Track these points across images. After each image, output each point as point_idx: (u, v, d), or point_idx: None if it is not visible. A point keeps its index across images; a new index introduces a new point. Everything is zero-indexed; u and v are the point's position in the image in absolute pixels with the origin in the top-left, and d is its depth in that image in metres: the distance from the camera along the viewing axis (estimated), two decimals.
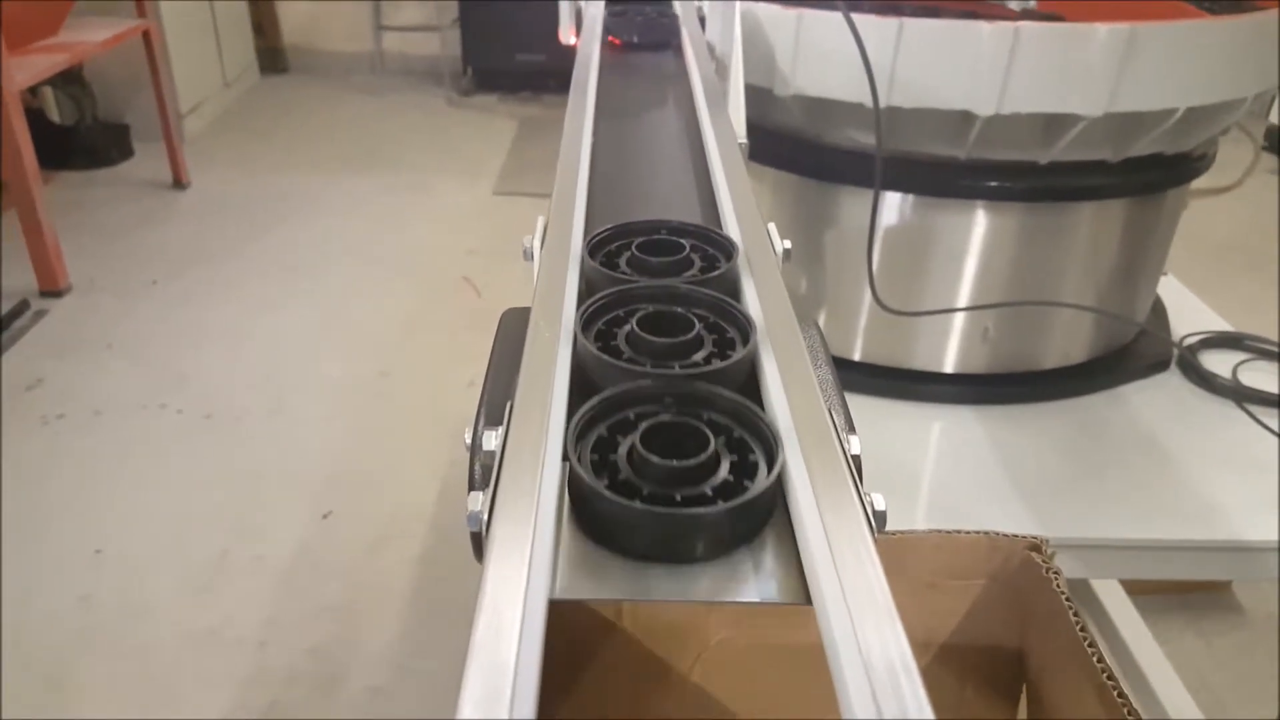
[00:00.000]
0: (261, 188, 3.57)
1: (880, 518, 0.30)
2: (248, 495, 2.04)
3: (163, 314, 2.72)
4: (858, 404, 1.22)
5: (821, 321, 1.28)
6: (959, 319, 1.21)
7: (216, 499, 2.02)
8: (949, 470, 1.15)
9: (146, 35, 3.25)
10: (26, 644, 1.66)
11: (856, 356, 1.28)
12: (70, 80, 3.53)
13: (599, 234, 0.39)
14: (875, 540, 0.28)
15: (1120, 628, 1.49)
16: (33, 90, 3.36)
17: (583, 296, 0.38)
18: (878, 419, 1.22)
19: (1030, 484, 1.11)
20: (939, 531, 0.64)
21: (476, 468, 0.33)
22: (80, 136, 3.61)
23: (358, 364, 2.51)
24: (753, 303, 0.39)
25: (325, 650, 1.67)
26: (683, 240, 0.41)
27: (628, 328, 0.35)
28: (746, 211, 0.48)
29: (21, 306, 2.65)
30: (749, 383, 0.35)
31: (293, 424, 2.28)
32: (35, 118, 3.49)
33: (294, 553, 1.89)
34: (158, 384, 2.39)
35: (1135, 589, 1.57)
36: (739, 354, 0.34)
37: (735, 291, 0.41)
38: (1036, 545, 0.63)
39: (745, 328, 0.36)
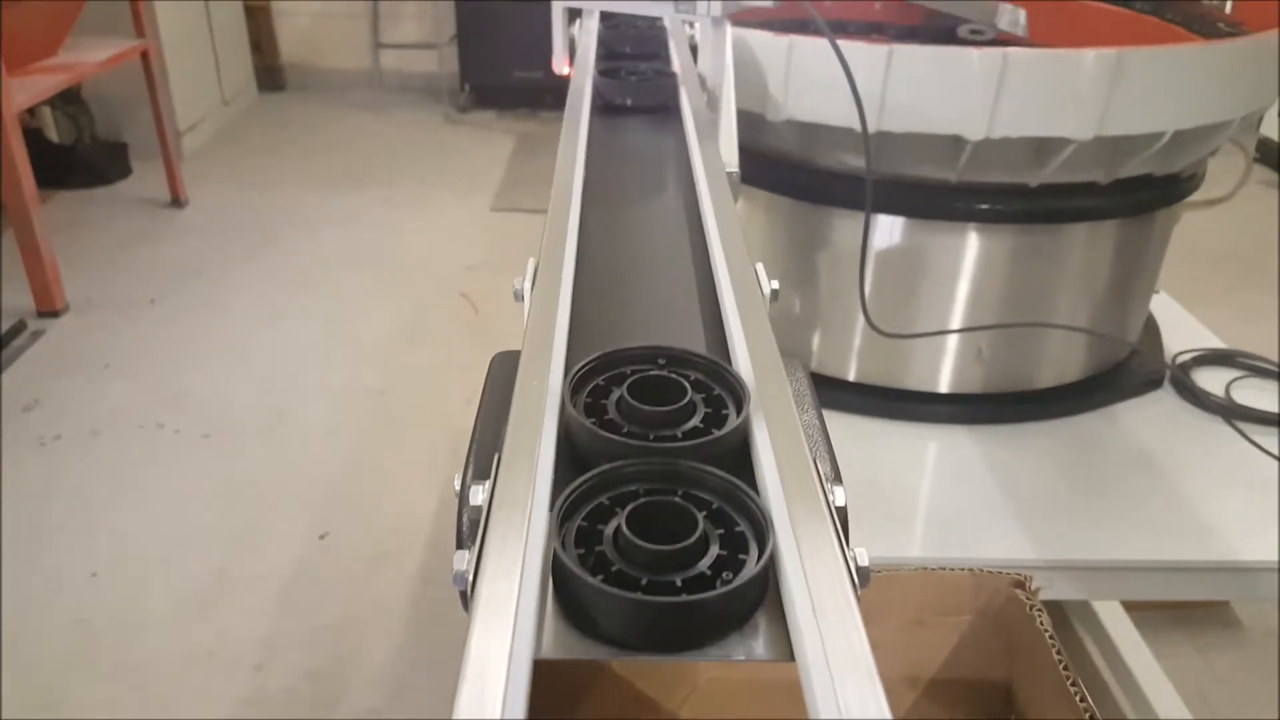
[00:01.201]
0: (259, 205, 3.58)
1: (864, 573, 0.30)
2: (245, 514, 2.04)
3: (160, 332, 2.72)
4: (854, 424, 1.23)
5: (816, 343, 1.28)
6: (953, 339, 1.22)
7: (214, 518, 2.02)
8: (945, 491, 1.15)
9: (145, 55, 3.27)
10: (23, 666, 1.66)
11: (852, 377, 1.28)
12: (68, 99, 3.54)
13: (579, 369, 0.37)
14: (858, 597, 0.28)
15: (1119, 645, 1.49)
16: (31, 110, 3.37)
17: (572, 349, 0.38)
18: (874, 439, 1.22)
19: (1026, 505, 1.11)
20: (925, 568, 0.64)
21: (465, 519, 0.34)
22: (78, 155, 3.62)
23: (355, 381, 2.51)
24: (741, 355, 0.40)
25: (323, 671, 1.67)
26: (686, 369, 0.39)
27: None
28: (736, 255, 0.48)
29: (19, 327, 2.66)
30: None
31: (290, 442, 2.28)
32: (33, 137, 3.50)
33: (292, 571, 1.89)
34: (155, 403, 2.39)
35: (1134, 606, 1.57)
36: (732, 425, 0.34)
37: (726, 348, 0.41)
38: (1020, 582, 0.63)
39: (738, 393, 0.35)
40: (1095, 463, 1.20)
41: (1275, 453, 1.15)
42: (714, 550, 0.29)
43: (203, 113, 4.11)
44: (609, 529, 0.29)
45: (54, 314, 2.76)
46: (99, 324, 2.75)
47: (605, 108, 0.74)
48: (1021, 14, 1.54)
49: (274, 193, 3.68)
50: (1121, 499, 1.13)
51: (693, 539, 0.29)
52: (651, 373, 0.36)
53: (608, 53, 0.84)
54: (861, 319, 1.17)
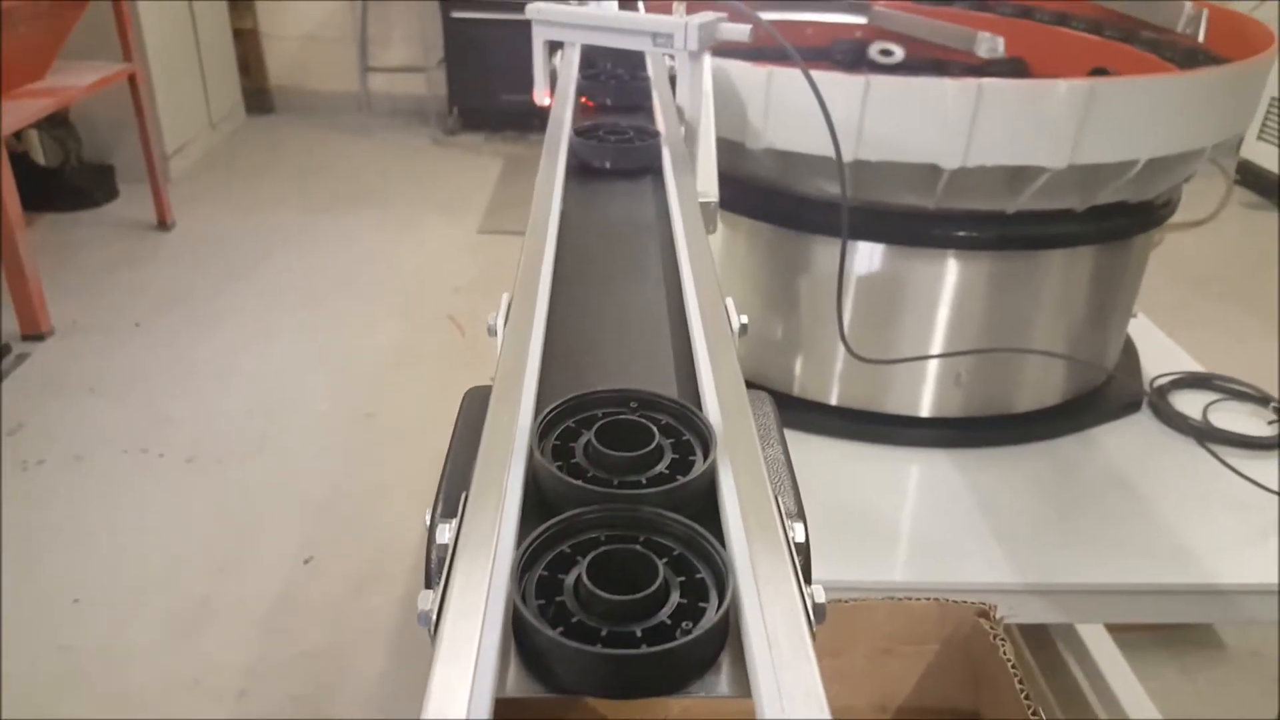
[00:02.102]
0: (247, 228, 3.58)
1: (820, 610, 0.31)
2: (230, 539, 2.03)
3: (145, 356, 2.72)
4: (836, 448, 1.24)
5: (798, 367, 1.29)
6: (933, 364, 1.23)
7: (198, 544, 2.01)
8: (926, 515, 1.16)
9: (132, 78, 3.27)
10: (4, 693, 1.64)
11: (833, 401, 1.29)
12: (55, 122, 3.54)
13: (549, 411, 0.38)
14: (813, 634, 0.29)
15: (1102, 666, 1.49)
16: (17, 133, 3.37)
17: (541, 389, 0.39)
18: (855, 463, 1.23)
19: (1007, 528, 1.12)
20: (892, 598, 0.65)
21: (433, 556, 0.34)
22: (65, 178, 3.61)
23: (342, 404, 2.51)
24: (708, 392, 0.40)
25: (307, 697, 1.66)
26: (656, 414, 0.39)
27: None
28: (707, 290, 0.49)
29: (3, 350, 2.65)
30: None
31: (276, 466, 2.27)
32: (20, 160, 3.50)
33: (277, 597, 1.88)
34: (140, 427, 2.38)
35: (1117, 627, 1.58)
36: (696, 471, 0.34)
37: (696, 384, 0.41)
38: (985, 611, 0.64)
39: (705, 437, 0.36)
40: (1074, 486, 1.21)
41: (1250, 475, 1.16)
42: (674, 598, 0.30)
43: (190, 135, 4.12)
44: (570, 579, 0.30)
45: (39, 337, 2.75)
46: (84, 347, 2.74)
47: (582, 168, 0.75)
48: (1000, 41, 1.57)
49: (261, 215, 3.69)
50: (1101, 522, 1.14)
51: (653, 588, 0.29)
52: (620, 416, 0.36)
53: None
54: (842, 344, 1.18)
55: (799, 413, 1.28)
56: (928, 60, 1.66)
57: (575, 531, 0.31)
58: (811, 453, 1.24)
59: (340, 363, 2.71)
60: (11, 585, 1.88)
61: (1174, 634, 1.79)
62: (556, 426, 0.36)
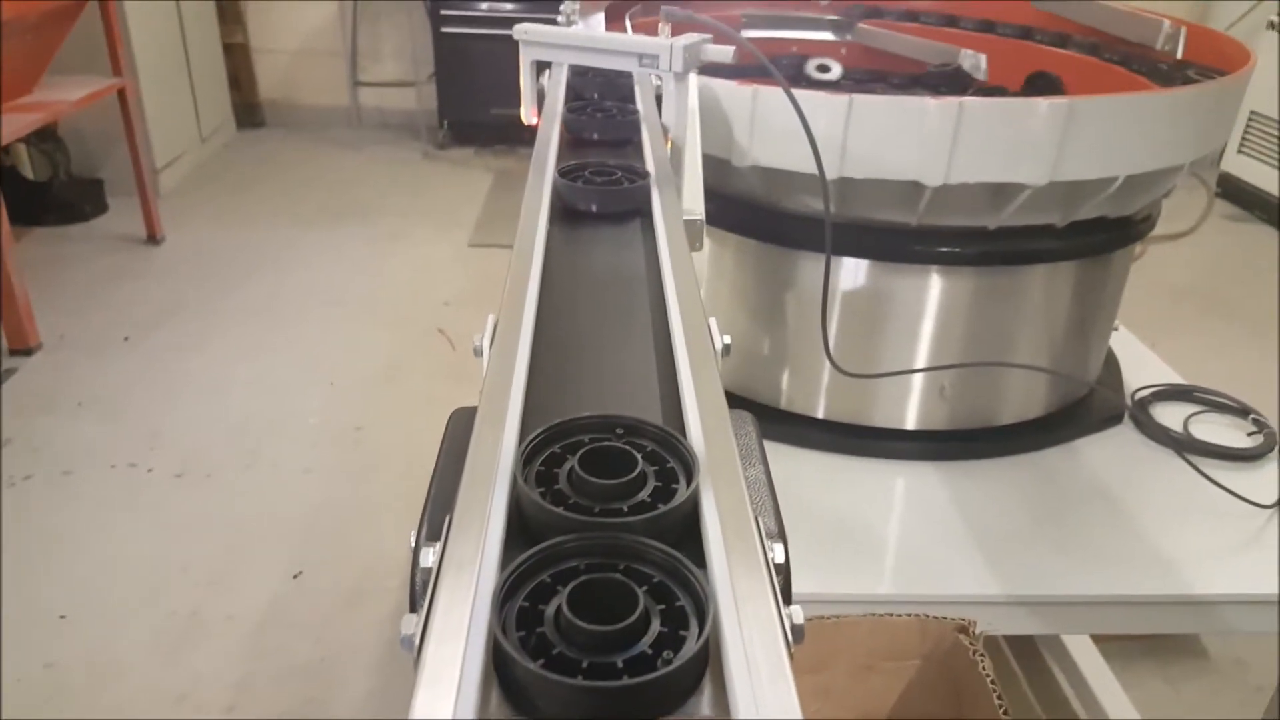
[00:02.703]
0: (236, 241, 3.58)
1: (798, 631, 0.32)
2: (218, 554, 2.03)
3: (134, 370, 2.71)
4: (822, 461, 1.25)
5: (784, 381, 1.30)
6: (918, 378, 1.24)
7: (186, 559, 2.01)
8: (913, 527, 1.17)
9: (122, 93, 3.28)
10: None
11: (820, 414, 1.30)
12: (44, 136, 3.54)
13: (532, 439, 0.39)
14: (791, 655, 0.30)
15: (1088, 676, 1.51)
16: (6, 147, 3.37)
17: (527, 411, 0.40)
18: (842, 476, 1.24)
19: (992, 540, 1.13)
20: (873, 615, 0.66)
21: (417, 580, 0.35)
22: (54, 192, 3.61)
23: (332, 418, 2.51)
24: (691, 414, 0.41)
25: (296, 714, 1.66)
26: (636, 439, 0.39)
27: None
28: (691, 311, 0.50)
29: None
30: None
31: (265, 480, 2.27)
32: (8, 174, 3.50)
33: (265, 612, 1.88)
34: (128, 442, 2.38)
35: (1103, 637, 1.59)
36: (677, 500, 0.35)
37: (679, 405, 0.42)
38: (964, 627, 0.65)
39: (688, 462, 0.37)
40: (1058, 498, 1.22)
41: (1230, 487, 1.18)
42: (655, 627, 0.30)
43: (180, 149, 4.12)
44: (550, 609, 0.31)
45: (27, 352, 2.74)
46: (72, 362, 2.74)
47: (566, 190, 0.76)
48: (982, 59, 1.59)
49: (251, 229, 3.69)
50: (1084, 534, 1.15)
51: (633, 618, 0.30)
52: (604, 443, 0.37)
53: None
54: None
55: (786, 426, 1.29)
56: (868, 73, 1.68)
57: (556, 560, 0.32)
58: (798, 465, 1.25)
59: (330, 376, 2.71)
60: None
61: (1158, 643, 1.80)
62: (541, 452, 0.37)
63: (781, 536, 0.39)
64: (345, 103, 4.80)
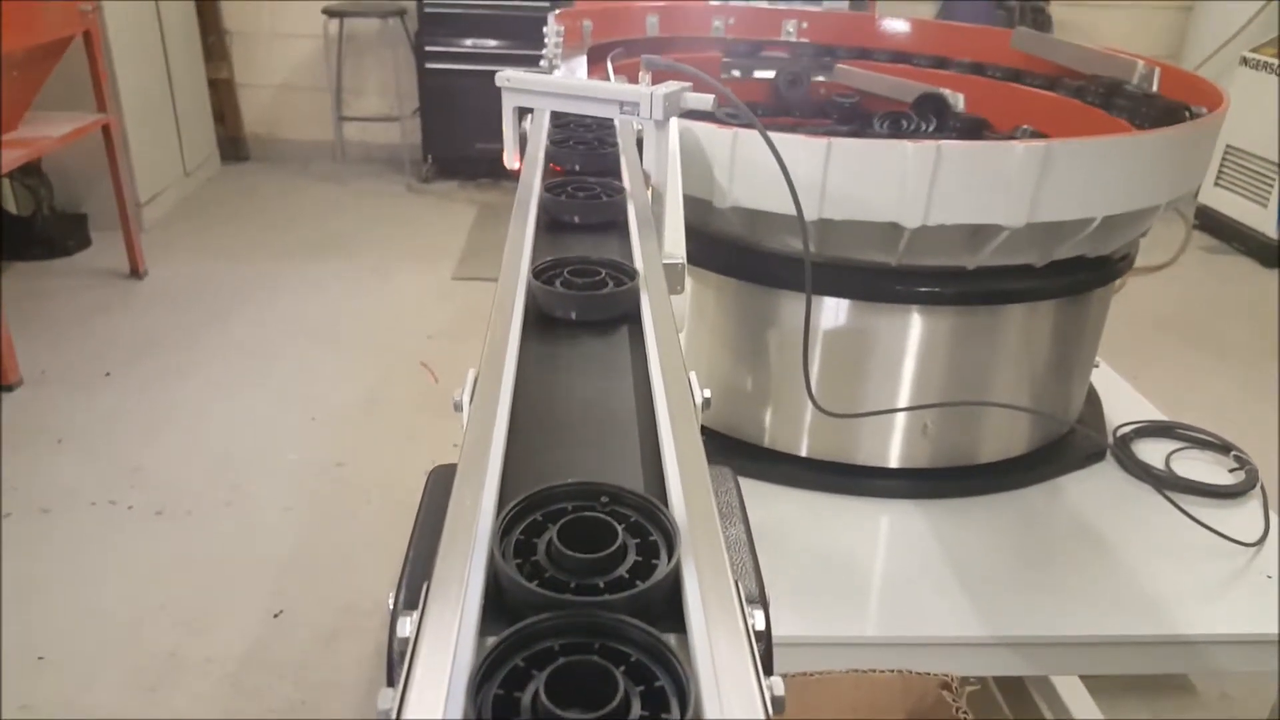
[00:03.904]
0: (220, 276, 3.57)
1: (779, 702, 0.31)
2: (198, 593, 2.00)
3: (116, 406, 2.69)
4: (806, 499, 1.25)
5: (767, 419, 1.31)
6: (900, 416, 1.25)
7: (166, 598, 1.98)
8: (897, 567, 1.17)
9: (106, 129, 3.28)
10: None
11: (803, 453, 1.30)
12: (28, 171, 3.53)
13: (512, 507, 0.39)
14: None
15: (1075, 712, 1.50)
16: None
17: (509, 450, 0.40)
18: (826, 514, 1.24)
19: (977, 580, 1.13)
20: (856, 670, 0.65)
21: (394, 649, 0.35)
22: (37, 227, 3.60)
23: (314, 454, 2.49)
24: (672, 474, 0.41)
25: None
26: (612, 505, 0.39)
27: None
28: (672, 367, 0.50)
29: None
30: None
31: (247, 518, 2.25)
32: None
33: (245, 652, 1.85)
34: (109, 479, 2.35)
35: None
36: (656, 577, 0.34)
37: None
38: (947, 684, 0.65)
39: (669, 533, 0.36)
40: (1042, 537, 1.22)
41: (1213, 524, 1.18)
42: (635, 710, 0.30)
43: (164, 183, 4.12)
44: (526, 696, 0.30)
45: (7, 388, 2.72)
46: (53, 398, 2.72)
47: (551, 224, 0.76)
48: (960, 98, 1.61)
49: (235, 264, 3.68)
50: (1069, 574, 1.15)
51: (614, 704, 0.30)
52: (583, 514, 0.37)
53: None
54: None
55: (769, 464, 1.29)
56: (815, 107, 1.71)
57: (533, 640, 0.31)
58: (782, 504, 1.25)
59: (312, 411, 2.70)
60: None
61: (1144, 678, 1.80)
62: (520, 521, 0.37)
63: (762, 600, 0.39)
64: (330, 137, 4.81)
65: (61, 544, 2.13)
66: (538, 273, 0.60)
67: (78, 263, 3.63)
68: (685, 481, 0.40)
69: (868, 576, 1.16)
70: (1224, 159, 4.02)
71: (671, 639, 0.33)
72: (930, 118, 1.54)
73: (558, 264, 0.62)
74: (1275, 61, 3.76)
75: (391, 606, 0.38)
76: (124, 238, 3.45)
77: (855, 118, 1.66)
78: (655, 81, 0.87)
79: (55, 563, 2.08)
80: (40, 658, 1.82)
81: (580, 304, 0.57)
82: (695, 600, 0.33)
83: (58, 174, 3.67)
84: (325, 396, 2.78)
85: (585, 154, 0.89)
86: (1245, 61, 3.91)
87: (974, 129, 1.56)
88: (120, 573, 2.06)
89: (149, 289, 3.47)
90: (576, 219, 0.75)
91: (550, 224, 0.76)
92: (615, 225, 0.75)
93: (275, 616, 1.94)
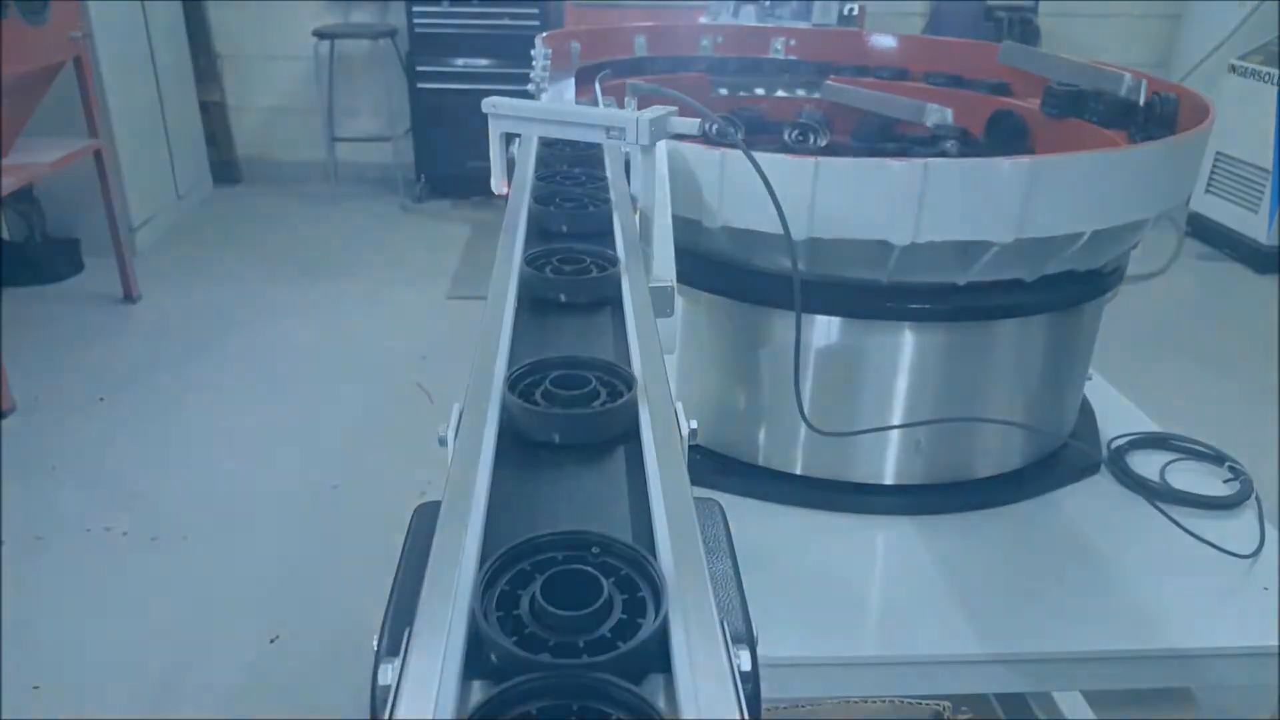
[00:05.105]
0: (213, 299, 3.57)
1: None
2: (194, 619, 1.99)
3: (109, 432, 2.68)
4: (801, 517, 1.25)
5: (761, 437, 1.30)
6: (894, 433, 1.24)
7: (162, 625, 1.97)
8: (894, 584, 1.16)
9: (98, 154, 3.28)
10: None
11: (797, 470, 1.30)
12: (19, 197, 3.53)
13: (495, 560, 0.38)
14: None
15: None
16: None
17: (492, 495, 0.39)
18: (821, 532, 1.23)
19: (972, 597, 1.12)
20: (847, 699, 0.65)
21: (376, 696, 0.34)
22: (29, 253, 3.60)
23: (309, 476, 2.48)
24: (658, 512, 0.41)
25: None
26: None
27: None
28: (659, 398, 0.50)
29: None
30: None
31: (242, 543, 2.24)
32: None
33: (242, 678, 1.84)
34: (102, 505, 2.34)
35: None
36: (641, 636, 0.34)
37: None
38: (939, 712, 0.64)
39: (655, 585, 0.36)
40: (1038, 551, 1.22)
41: (1209, 536, 1.18)
42: None
43: (157, 207, 4.12)
44: None
45: (0, 415, 2.71)
46: (46, 424, 2.71)
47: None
48: (948, 113, 1.62)
49: (228, 286, 3.68)
50: (1066, 588, 1.15)
51: None
52: (571, 567, 0.36)
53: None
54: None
55: (763, 482, 1.28)
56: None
57: (515, 702, 0.31)
58: (776, 522, 1.25)
59: (307, 433, 2.69)
60: None
61: (1146, 692, 1.79)
62: (505, 572, 0.36)
63: (749, 639, 0.39)
64: (322, 158, 4.82)
65: (56, 571, 2.12)
66: (512, 384, 0.53)
67: (70, 288, 3.63)
68: (673, 528, 0.39)
69: (863, 594, 1.15)
70: (1214, 166, 4.04)
71: (660, 679, 0.33)
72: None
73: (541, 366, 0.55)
74: (1263, 69, 3.79)
75: (375, 648, 0.38)
76: (117, 262, 3.45)
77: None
78: (641, 107, 0.87)
79: (50, 590, 2.07)
80: (36, 686, 1.81)
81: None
82: (681, 649, 0.33)
83: (50, 199, 3.67)
84: (321, 419, 2.77)
85: (573, 212, 0.83)
86: (1234, 69, 3.93)
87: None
88: (115, 599, 2.05)
89: (142, 313, 3.47)
90: (563, 298, 0.67)
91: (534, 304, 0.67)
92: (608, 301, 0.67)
93: (272, 642, 1.93)
